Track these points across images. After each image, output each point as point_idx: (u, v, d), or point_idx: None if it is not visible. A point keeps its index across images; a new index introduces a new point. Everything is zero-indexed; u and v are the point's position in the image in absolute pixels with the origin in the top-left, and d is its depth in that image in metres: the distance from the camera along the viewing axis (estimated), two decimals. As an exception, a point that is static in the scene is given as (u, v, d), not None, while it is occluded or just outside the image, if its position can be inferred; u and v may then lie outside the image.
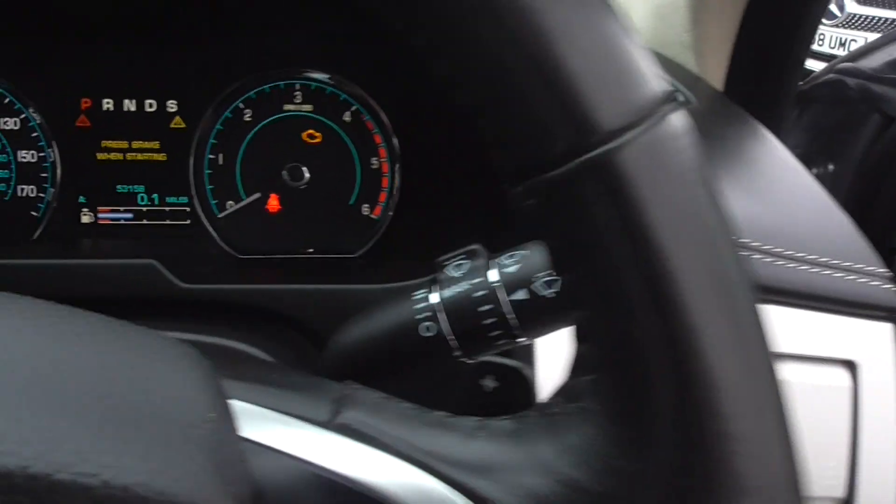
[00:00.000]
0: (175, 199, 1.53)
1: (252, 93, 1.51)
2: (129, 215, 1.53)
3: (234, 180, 1.53)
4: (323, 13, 1.42)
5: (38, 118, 1.47)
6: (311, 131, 1.53)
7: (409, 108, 1.51)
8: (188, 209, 1.53)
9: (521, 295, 0.78)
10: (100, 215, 1.52)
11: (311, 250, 1.54)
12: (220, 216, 1.53)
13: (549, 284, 0.77)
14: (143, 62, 1.48)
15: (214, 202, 1.53)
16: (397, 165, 1.53)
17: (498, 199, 1.37)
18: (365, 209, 1.56)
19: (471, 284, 0.81)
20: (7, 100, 1.47)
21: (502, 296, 0.80)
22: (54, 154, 1.48)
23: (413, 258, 1.45)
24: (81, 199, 1.51)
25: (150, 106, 1.51)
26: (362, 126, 1.53)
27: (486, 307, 0.80)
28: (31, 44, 1.45)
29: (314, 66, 1.51)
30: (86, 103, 1.49)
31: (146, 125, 1.51)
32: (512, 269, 0.81)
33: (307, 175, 1.50)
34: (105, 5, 1.40)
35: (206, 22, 1.43)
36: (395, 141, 1.53)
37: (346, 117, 1.53)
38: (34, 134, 1.48)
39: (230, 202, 1.53)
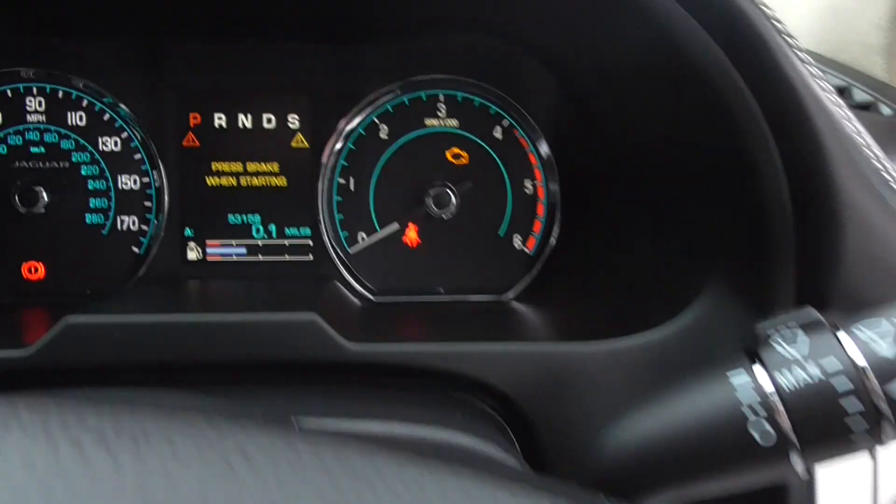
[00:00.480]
0: (296, 230, 1.31)
1: (389, 105, 1.29)
2: (243, 250, 1.31)
3: (368, 209, 1.30)
4: (471, 12, 1.19)
5: (140, 137, 1.25)
6: (456, 150, 1.30)
7: (571, 121, 1.29)
8: (311, 243, 1.31)
9: None
10: (209, 250, 1.30)
11: (454, 292, 1.31)
12: (351, 251, 1.31)
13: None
14: (261, 69, 1.27)
15: (344, 234, 1.31)
16: (556, 189, 1.30)
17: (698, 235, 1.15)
18: (517, 241, 1.33)
19: (821, 367, 0.58)
20: (106, 116, 1.25)
21: (872, 385, 0.57)
22: (160, 179, 1.26)
23: (575, 302, 1.23)
24: (188, 231, 1.29)
25: (269, 122, 1.29)
26: (515, 143, 1.31)
27: (849, 400, 0.57)
28: (133, 49, 1.24)
29: (460, 72, 1.28)
30: (194, 119, 1.28)
31: (264, 144, 1.29)
32: (884, 347, 0.58)
33: (454, 201, 1.27)
34: (216, 3, 1.18)
35: (335, 22, 1.21)
36: (553, 161, 1.31)
37: (497, 133, 1.31)
38: (136, 156, 1.26)
39: (362, 234, 1.31)
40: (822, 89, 0.83)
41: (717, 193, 0.96)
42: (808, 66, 0.83)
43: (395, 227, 1.30)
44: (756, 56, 0.83)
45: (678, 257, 1.03)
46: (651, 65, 0.95)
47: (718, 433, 0.62)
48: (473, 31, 1.21)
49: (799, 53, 0.83)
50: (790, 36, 0.83)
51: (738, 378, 0.63)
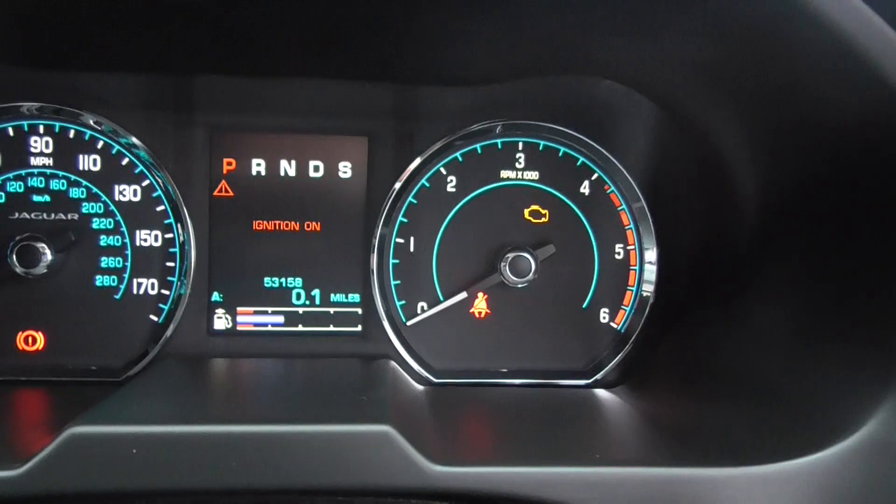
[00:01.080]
0: (344, 297, 1.11)
1: (458, 154, 1.09)
2: (280, 319, 1.10)
3: (430, 274, 1.10)
4: (559, 50, 1.00)
5: (163, 185, 1.06)
6: (535, 207, 1.11)
7: (673, 175, 1.09)
8: (361, 311, 1.11)
9: None
10: (240, 319, 1.10)
11: (529, 374, 1.10)
12: (408, 323, 1.10)
13: None
14: (309, 108, 1.07)
15: (401, 303, 1.10)
16: (653, 256, 1.10)
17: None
18: (603, 316, 1.12)
19: None
20: (124, 160, 1.05)
21: None
22: (185, 234, 1.06)
23: (685, 400, 1.02)
24: (216, 296, 1.09)
25: (316, 170, 1.09)
26: (605, 200, 1.11)
27: None
28: (158, 83, 1.04)
29: (543, 117, 1.09)
30: (228, 165, 1.08)
31: (309, 196, 1.09)
32: None
33: (532, 267, 1.07)
34: (253, 30, 0.98)
35: (402, 62, 1.01)
36: (651, 222, 1.11)
37: (584, 189, 1.11)
38: (159, 207, 1.06)
39: (422, 304, 1.10)
40: None
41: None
42: None
43: (462, 296, 1.09)
44: None
45: (841, 353, 0.82)
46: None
47: None
48: (583, 75, 1.01)
49: None
50: None
51: None
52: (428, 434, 0.82)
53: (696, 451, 0.81)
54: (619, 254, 1.12)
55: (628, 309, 1.12)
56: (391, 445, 0.72)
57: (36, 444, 0.72)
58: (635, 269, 1.12)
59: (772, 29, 0.71)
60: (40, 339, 1.06)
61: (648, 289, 1.11)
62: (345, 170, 1.10)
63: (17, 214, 1.04)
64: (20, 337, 1.05)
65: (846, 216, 0.86)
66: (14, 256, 1.00)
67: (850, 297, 0.85)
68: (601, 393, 1.07)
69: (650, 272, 1.11)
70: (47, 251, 1.01)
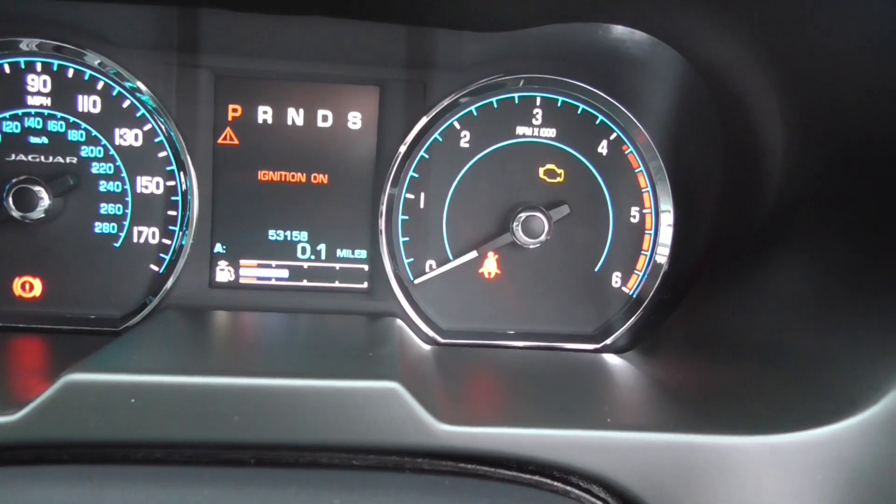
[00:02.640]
0: (350, 252, 1.08)
1: (473, 108, 1.05)
2: (284, 273, 1.07)
3: (440, 232, 1.07)
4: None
5: (166, 130, 1.02)
6: (551, 166, 1.07)
7: (695, 134, 1.05)
8: (367, 268, 1.08)
9: None
10: (243, 272, 1.07)
11: (537, 337, 1.08)
12: (416, 281, 1.07)
13: None
14: (319, 53, 1.03)
15: (409, 261, 1.07)
16: (669, 220, 1.07)
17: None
18: (615, 280, 1.09)
19: None
20: (126, 103, 1.01)
21: None
22: (188, 182, 1.03)
23: (698, 368, 0.99)
24: (219, 247, 1.06)
25: (325, 119, 1.05)
26: (623, 162, 1.07)
27: None
28: (163, 21, 0.99)
29: (562, 70, 1.05)
30: (234, 111, 1.04)
31: (316, 146, 1.05)
32: None
33: (546, 228, 1.04)
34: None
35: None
36: (669, 185, 1.07)
37: (602, 148, 1.07)
38: (161, 153, 1.03)
39: (431, 262, 1.07)
40: None
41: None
42: None
43: (472, 255, 1.06)
44: None
45: (863, 322, 0.79)
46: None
47: None
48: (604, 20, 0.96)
49: None
50: None
51: None
52: (435, 393, 0.80)
53: (710, 418, 0.78)
54: (634, 217, 1.08)
55: (641, 273, 1.09)
56: (398, 403, 0.70)
57: (32, 391, 0.69)
58: (650, 234, 1.09)
59: None
60: (38, 285, 1.03)
61: (663, 253, 1.08)
62: (354, 120, 1.06)
63: (13, 156, 1.00)
64: (17, 283, 1.03)
65: (876, 182, 0.82)
66: (10, 199, 0.97)
67: (874, 266, 0.82)
68: (610, 357, 1.05)
69: (666, 237, 1.08)
70: (45, 195, 0.97)
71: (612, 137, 1.07)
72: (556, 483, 0.74)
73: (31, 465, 0.68)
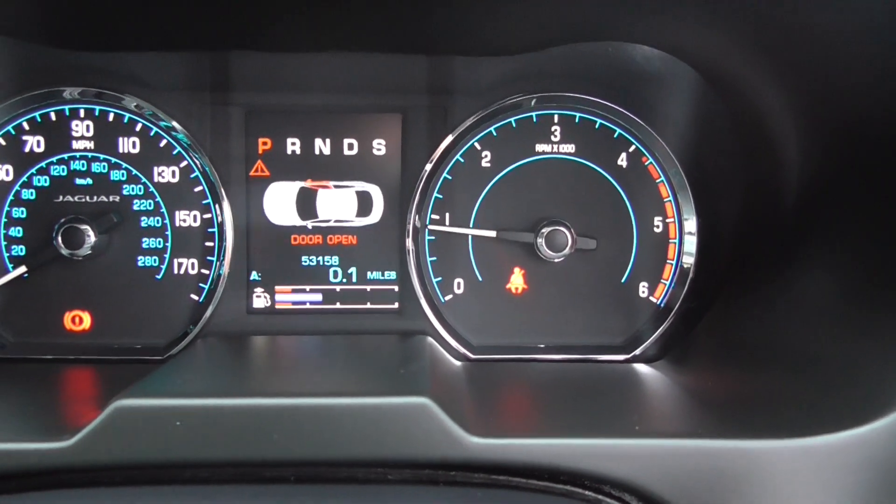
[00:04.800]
0: (380, 275, 1.11)
1: (492, 129, 1.08)
2: (318, 297, 1.11)
3: (466, 250, 1.10)
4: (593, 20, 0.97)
5: (201, 166, 1.07)
6: (572, 180, 1.09)
7: (713, 145, 1.07)
8: (397, 289, 1.11)
9: None
10: (278, 297, 1.11)
11: (566, 349, 1.09)
12: (445, 300, 1.10)
13: None
14: (342, 86, 1.07)
15: (437, 280, 1.10)
16: (692, 228, 1.08)
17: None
18: (642, 290, 1.11)
19: None
20: (162, 142, 1.07)
21: None
22: (223, 214, 1.07)
23: (728, 374, 1.00)
24: (255, 275, 1.10)
25: (351, 147, 1.10)
26: (643, 173, 1.09)
27: None
28: (194, 65, 1.05)
29: (578, 88, 1.07)
30: (264, 144, 1.09)
31: (344, 174, 1.09)
32: None
33: (568, 240, 1.06)
34: (287, 6, 0.97)
35: (437, 31, 0.99)
36: (691, 194, 1.08)
37: (622, 161, 1.09)
38: (197, 188, 1.08)
39: (459, 280, 1.10)
40: None
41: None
42: None
43: (497, 271, 1.09)
44: None
45: (889, 324, 0.79)
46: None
47: None
48: (618, 41, 0.99)
49: None
50: None
51: None
52: (466, 407, 0.82)
53: (740, 423, 0.79)
54: (658, 227, 1.10)
55: (668, 282, 1.10)
56: (429, 417, 0.72)
57: (83, 418, 0.73)
58: (675, 242, 1.10)
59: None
60: (87, 318, 1.09)
61: (688, 261, 1.09)
62: (379, 147, 1.10)
63: (61, 197, 1.06)
64: (67, 317, 1.08)
65: (893, 176, 0.83)
66: (59, 238, 1.03)
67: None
68: (641, 367, 1.06)
69: (690, 245, 1.09)
70: (91, 232, 1.03)
71: (631, 150, 1.09)
72: (587, 492, 0.75)
73: (85, 488, 0.72)
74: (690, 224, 1.09)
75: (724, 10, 0.83)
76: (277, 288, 1.11)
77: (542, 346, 1.10)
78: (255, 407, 0.73)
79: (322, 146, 1.09)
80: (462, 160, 1.09)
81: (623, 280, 1.11)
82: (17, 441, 0.72)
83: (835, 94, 0.82)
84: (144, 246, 1.08)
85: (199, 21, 0.92)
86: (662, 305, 1.11)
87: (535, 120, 1.08)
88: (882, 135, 0.82)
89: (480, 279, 1.10)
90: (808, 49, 0.80)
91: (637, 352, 1.10)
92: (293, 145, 1.09)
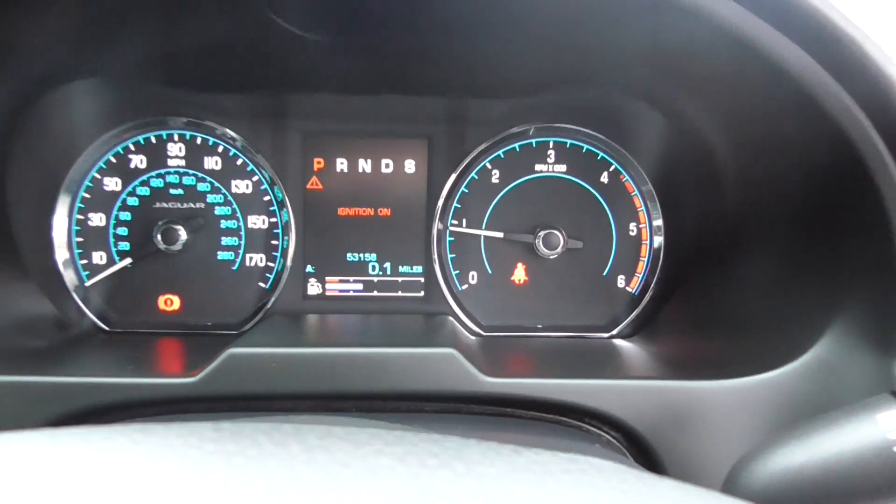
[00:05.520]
0: (409, 268, 1.38)
1: (500, 152, 1.36)
2: (359, 286, 1.38)
3: (478, 249, 1.37)
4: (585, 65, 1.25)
5: (269, 180, 1.35)
6: (564, 194, 1.37)
7: (675, 167, 1.34)
8: (423, 280, 1.38)
9: None
10: (328, 286, 1.38)
11: (559, 329, 1.36)
12: (461, 289, 1.37)
13: None
14: (380, 118, 1.35)
15: (456, 273, 1.38)
16: (660, 232, 1.36)
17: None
18: (620, 281, 1.38)
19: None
20: (239, 161, 1.35)
21: None
22: (286, 219, 1.35)
23: (684, 341, 1.26)
24: (310, 268, 1.38)
25: (387, 167, 1.37)
26: (621, 188, 1.37)
27: None
28: (264, 101, 1.33)
29: (569, 121, 1.35)
30: (318, 164, 1.37)
31: (382, 187, 1.37)
32: None
33: (561, 241, 1.33)
34: (338, 60, 1.26)
35: (457, 80, 1.28)
36: (659, 205, 1.36)
37: (604, 178, 1.37)
38: (266, 198, 1.35)
39: (473, 272, 1.38)
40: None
41: (843, 231, 0.98)
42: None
43: (504, 265, 1.36)
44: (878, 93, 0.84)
45: (800, 297, 1.06)
46: (785, 118, 0.98)
47: (868, 470, 0.66)
48: (600, 88, 1.25)
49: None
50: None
51: (889, 420, 0.67)
52: (481, 359, 1.09)
53: (690, 370, 1.06)
54: (632, 231, 1.37)
55: (641, 275, 1.37)
56: (455, 363, 0.99)
57: (201, 365, 1.00)
58: (646, 243, 1.37)
59: (733, 68, 0.95)
60: (176, 301, 1.36)
61: (657, 258, 1.36)
62: (409, 166, 1.37)
63: (158, 204, 1.34)
64: (161, 299, 1.35)
65: (806, 202, 1.09)
66: (158, 236, 1.30)
67: (808, 256, 1.09)
68: (618, 342, 1.33)
69: (658, 245, 1.36)
70: (183, 232, 1.31)
71: (611, 169, 1.36)
72: (571, 420, 1.02)
73: (204, 413, 0.99)
74: (659, 229, 1.36)
75: (675, 76, 1.11)
76: (327, 279, 1.38)
77: (539, 326, 1.37)
78: (328, 354, 1.00)
79: (364, 165, 1.37)
80: (476, 177, 1.36)
81: (605, 273, 1.38)
82: (158, 377, 0.99)
83: (753, 123, 1.09)
84: (223, 243, 1.35)
85: (269, 72, 1.20)
86: (636, 293, 1.37)
87: (534, 145, 1.36)
88: (795, 153, 1.08)
89: (490, 272, 1.37)
90: (728, 97, 1.08)
91: (615, 331, 1.36)
92: (341, 164, 1.37)
